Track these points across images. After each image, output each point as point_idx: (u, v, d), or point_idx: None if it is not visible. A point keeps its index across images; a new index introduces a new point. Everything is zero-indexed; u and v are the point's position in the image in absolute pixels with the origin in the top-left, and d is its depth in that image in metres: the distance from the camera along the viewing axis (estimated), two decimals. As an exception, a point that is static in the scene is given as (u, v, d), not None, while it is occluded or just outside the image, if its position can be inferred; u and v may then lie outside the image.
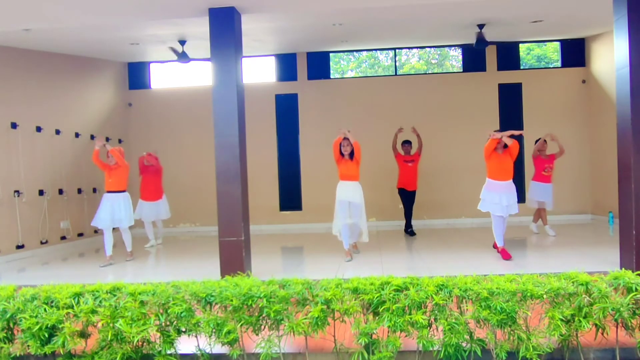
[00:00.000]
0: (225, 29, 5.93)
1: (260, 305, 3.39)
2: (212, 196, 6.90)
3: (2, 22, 6.59)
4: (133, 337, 3.27)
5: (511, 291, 3.30)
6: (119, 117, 10.91)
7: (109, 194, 7.28)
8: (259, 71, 11.30)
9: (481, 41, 8.59)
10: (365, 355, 3.32)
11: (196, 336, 3.48)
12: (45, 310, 3.44)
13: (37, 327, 3.36)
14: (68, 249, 9.00)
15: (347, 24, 8.35)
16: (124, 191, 7.33)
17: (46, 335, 3.40)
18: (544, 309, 3.36)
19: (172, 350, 3.45)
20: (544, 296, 3.32)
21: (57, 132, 8.96)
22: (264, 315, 3.39)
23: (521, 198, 8.68)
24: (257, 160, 10.02)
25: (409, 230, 9.27)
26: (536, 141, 8.50)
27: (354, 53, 13.00)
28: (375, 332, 3.34)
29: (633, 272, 3.48)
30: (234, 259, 5.79)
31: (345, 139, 6.99)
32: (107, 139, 9.77)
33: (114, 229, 7.34)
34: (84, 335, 3.49)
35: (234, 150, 5.87)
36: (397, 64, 11.44)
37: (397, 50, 11.32)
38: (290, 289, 3.49)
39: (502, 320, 3.24)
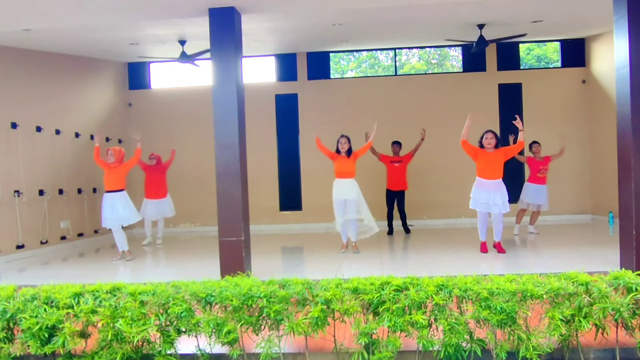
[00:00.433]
0: (225, 29, 5.93)
1: (260, 305, 3.39)
2: (212, 196, 6.89)
3: (2, 22, 6.59)
4: (133, 337, 3.27)
5: (511, 291, 3.30)
6: (119, 117, 10.90)
7: (108, 193, 7.36)
8: (259, 71, 11.31)
9: (481, 42, 8.59)
10: (365, 355, 3.31)
11: (196, 336, 3.48)
12: (45, 310, 3.44)
13: (37, 327, 3.36)
14: (68, 249, 9.00)
15: (347, 24, 8.35)
16: (121, 190, 7.38)
17: (46, 335, 3.39)
18: (544, 309, 3.36)
19: (172, 350, 3.44)
20: (544, 296, 3.32)
21: (57, 132, 8.96)
22: (264, 315, 3.39)
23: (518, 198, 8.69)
24: (257, 160, 10.01)
25: (405, 228, 9.39)
26: (530, 144, 8.47)
27: (354, 53, 13.00)
28: (375, 332, 3.34)
29: (633, 272, 3.48)
30: (234, 259, 5.79)
31: (344, 136, 7.07)
32: (107, 139, 9.79)
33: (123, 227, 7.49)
34: (84, 335, 3.48)
35: (234, 150, 5.88)
36: (397, 64, 11.44)
37: (397, 50, 11.32)
38: (290, 289, 3.49)
39: (502, 320, 3.24)
